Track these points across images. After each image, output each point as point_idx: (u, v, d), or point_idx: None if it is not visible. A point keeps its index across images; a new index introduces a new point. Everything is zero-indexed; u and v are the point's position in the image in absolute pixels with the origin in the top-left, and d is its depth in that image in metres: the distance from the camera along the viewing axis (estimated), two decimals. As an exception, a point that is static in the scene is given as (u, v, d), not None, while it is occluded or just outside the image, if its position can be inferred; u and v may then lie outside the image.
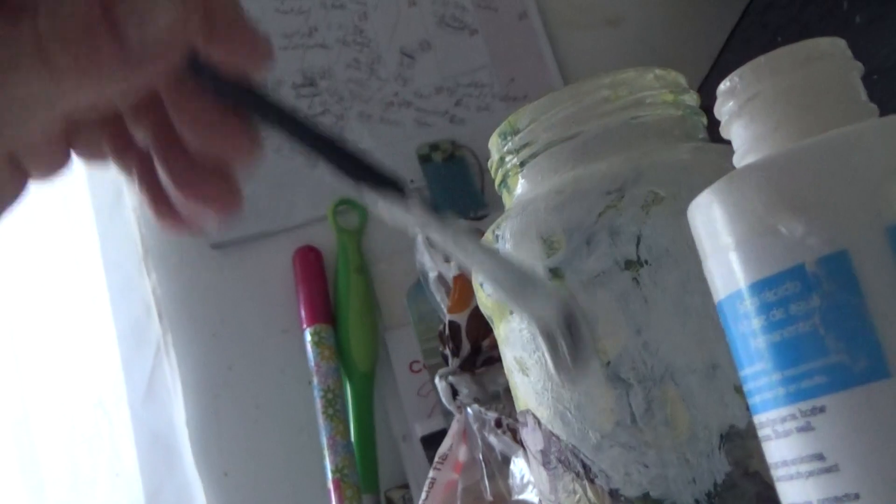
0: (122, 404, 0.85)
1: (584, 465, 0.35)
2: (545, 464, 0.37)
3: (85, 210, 0.91)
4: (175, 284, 0.85)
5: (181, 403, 0.82)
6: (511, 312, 0.38)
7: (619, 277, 0.34)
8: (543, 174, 0.39)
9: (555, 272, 0.35)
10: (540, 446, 0.37)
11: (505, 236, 0.38)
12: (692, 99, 0.40)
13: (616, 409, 0.34)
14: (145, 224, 0.86)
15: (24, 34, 0.24)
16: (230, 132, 0.29)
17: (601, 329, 0.34)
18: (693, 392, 0.33)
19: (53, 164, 0.30)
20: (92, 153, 0.31)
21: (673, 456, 0.33)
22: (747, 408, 0.32)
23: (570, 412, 0.35)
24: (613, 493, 0.34)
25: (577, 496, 0.35)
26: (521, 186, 0.40)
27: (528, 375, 0.38)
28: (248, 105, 0.29)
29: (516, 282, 0.32)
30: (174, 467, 0.83)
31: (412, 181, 0.87)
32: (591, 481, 0.35)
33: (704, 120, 0.41)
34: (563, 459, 0.36)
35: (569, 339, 0.33)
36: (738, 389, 0.32)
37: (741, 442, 0.33)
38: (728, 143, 0.37)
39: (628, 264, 0.34)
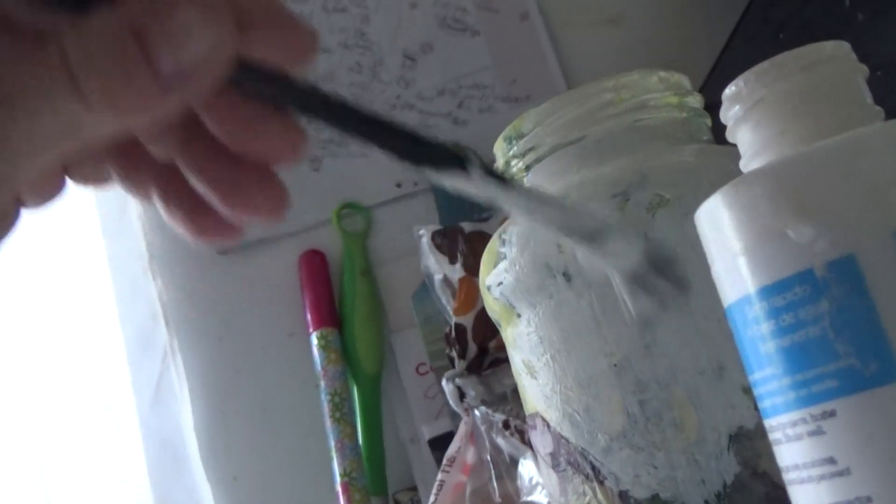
0: (130, 410, 0.86)
1: (594, 468, 0.35)
2: (554, 466, 0.37)
3: (91, 216, 0.91)
4: (181, 290, 0.85)
5: (189, 408, 0.83)
6: (518, 315, 0.38)
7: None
8: (549, 178, 0.39)
9: (564, 274, 0.35)
10: (549, 449, 0.38)
11: (511, 241, 0.38)
12: (696, 101, 0.40)
13: (624, 411, 0.34)
14: (151, 230, 0.87)
15: (53, 62, 0.22)
16: (276, 132, 0.27)
17: (608, 332, 0.35)
18: (700, 394, 0.33)
19: (48, 192, 0.27)
20: (93, 178, 0.28)
21: (682, 457, 0.33)
22: (755, 408, 0.32)
23: (579, 414, 0.35)
24: (623, 495, 0.34)
25: (587, 498, 0.36)
26: None
27: (536, 378, 0.38)
28: (294, 102, 0.27)
29: (592, 232, 0.31)
30: (182, 472, 0.83)
31: (416, 183, 0.87)
32: (601, 483, 0.35)
33: (708, 121, 0.41)
34: (572, 462, 0.36)
35: (661, 273, 0.31)
36: (746, 390, 0.32)
37: (750, 443, 0.33)
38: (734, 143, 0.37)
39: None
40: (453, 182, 0.28)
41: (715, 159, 0.37)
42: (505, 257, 0.38)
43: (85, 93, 0.22)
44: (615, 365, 0.34)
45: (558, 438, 0.37)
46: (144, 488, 0.83)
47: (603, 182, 0.36)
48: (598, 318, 0.35)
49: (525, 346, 0.38)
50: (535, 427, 0.39)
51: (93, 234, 0.91)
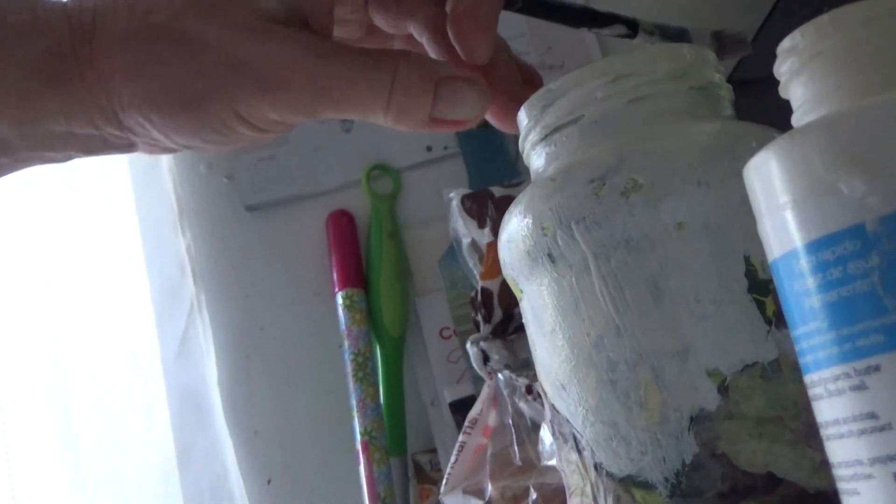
0: (156, 361, 0.87)
1: (575, 438, 0.36)
2: (553, 434, 0.39)
3: (121, 170, 0.92)
4: (209, 245, 0.86)
5: (213, 362, 0.83)
6: (521, 292, 0.39)
7: (599, 263, 0.35)
8: (549, 159, 0.39)
9: (549, 256, 0.36)
10: (549, 417, 0.39)
11: (510, 221, 0.38)
12: (707, 74, 0.39)
13: (597, 387, 0.35)
14: (181, 184, 0.87)
15: (387, 69, 0.36)
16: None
17: (585, 312, 0.35)
18: (665, 375, 0.34)
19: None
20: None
21: (646, 436, 0.34)
22: (717, 391, 0.33)
23: (565, 388, 0.36)
24: (597, 467, 0.35)
25: (573, 467, 0.37)
26: (535, 168, 0.40)
27: (536, 351, 0.39)
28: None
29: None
30: (205, 424, 0.84)
31: (446, 147, 0.87)
32: (580, 453, 0.36)
33: (725, 93, 0.39)
34: (562, 432, 0.37)
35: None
36: (710, 373, 0.33)
37: (710, 424, 0.33)
38: (749, 118, 0.36)
39: (608, 250, 0.34)
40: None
41: (708, 139, 0.36)
42: (506, 236, 0.39)
43: (392, 100, 0.36)
44: (591, 344, 0.35)
45: (552, 408, 0.38)
46: (167, 439, 0.84)
47: (584, 167, 0.36)
48: (577, 298, 0.35)
49: (528, 320, 0.39)
50: (541, 396, 0.40)
51: (123, 187, 0.91)
